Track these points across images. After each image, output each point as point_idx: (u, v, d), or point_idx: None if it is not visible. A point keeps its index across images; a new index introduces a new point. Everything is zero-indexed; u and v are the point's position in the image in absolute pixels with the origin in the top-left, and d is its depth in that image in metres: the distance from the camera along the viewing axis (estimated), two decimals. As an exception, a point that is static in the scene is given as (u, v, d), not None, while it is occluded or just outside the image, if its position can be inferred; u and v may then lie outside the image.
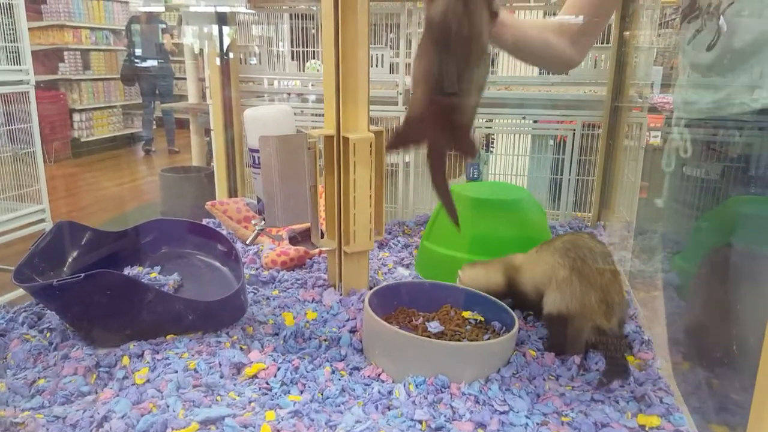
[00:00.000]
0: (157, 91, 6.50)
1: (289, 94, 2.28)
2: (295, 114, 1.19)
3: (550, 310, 0.98)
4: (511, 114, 1.93)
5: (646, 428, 0.78)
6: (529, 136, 1.99)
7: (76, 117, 6.62)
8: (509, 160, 2.00)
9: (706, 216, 1.19)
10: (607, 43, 1.80)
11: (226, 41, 1.94)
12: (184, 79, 4.52)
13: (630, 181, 1.60)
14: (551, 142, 1.99)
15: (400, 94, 2.02)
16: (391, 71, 2.03)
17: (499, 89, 1.94)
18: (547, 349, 0.98)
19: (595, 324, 0.93)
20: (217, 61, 1.93)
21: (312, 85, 2.31)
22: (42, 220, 3.19)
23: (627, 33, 1.74)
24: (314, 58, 2.38)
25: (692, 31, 1.11)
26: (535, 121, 1.93)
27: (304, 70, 2.42)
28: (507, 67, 2.20)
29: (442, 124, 0.93)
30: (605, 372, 0.90)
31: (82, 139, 6.65)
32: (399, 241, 1.58)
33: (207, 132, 3.77)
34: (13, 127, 3.12)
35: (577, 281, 0.96)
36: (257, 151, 1.07)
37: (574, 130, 1.83)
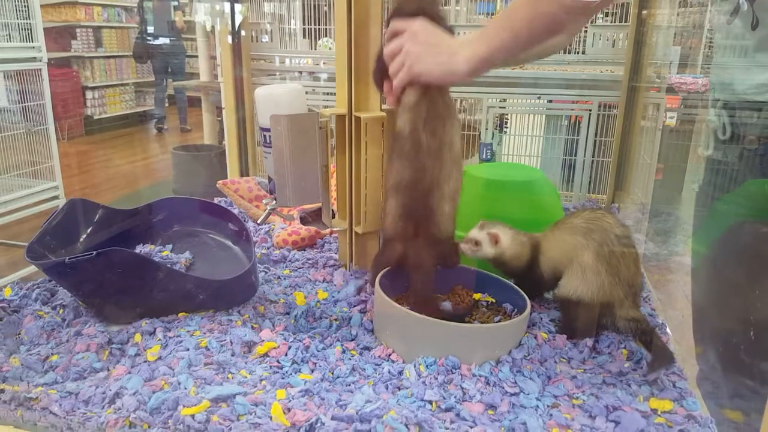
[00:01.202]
0: (169, 69, 6.48)
1: (300, 72, 2.26)
2: (306, 93, 1.18)
3: (570, 295, 0.95)
4: (526, 93, 1.90)
5: (659, 412, 0.77)
6: (544, 116, 1.96)
7: (89, 94, 6.63)
8: (523, 140, 1.98)
9: (724, 199, 1.17)
10: (626, 21, 1.76)
11: (238, 19, 1.93)
12: (196, 57, 4.50)
13: (646, 162, 1.58)
14: (565, 122, 1.97)
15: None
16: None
17: (513, 68, 1.91)
18: (560, 332, 0.97)
19: (629, 315, 0.91)
20: (229, 38, 1.91)
21: (324, 63, 2.29)
22: (55, 197, 3.21)
23: (645, 12, 1.71)
24: (326, 36, 2.36)
25: (729, 9, 1.07)
26: (549, 101, 1.90)
27: (315, 48, 2.40)
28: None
29: (420, 240, 0.92)
30: (652, 361, 0.87)
31: (95, 117, 6.67)
32: (410, 222, 1.57)
33: (219, 110, 3.77)
34: (26, 104, 3.13)
35: (604, 272, 0.92)
36: (268, 130, 1.07)
37: (590, 110, 1.81)
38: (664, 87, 1.75)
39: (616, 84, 1.77)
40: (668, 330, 0.99)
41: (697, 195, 1.20)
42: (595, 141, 1.83)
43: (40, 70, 3.10)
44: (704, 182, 1.19)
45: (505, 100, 1.97)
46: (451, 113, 0.94)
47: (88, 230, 1.12)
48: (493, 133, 1.95)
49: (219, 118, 3.92)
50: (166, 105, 6.76)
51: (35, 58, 3.09)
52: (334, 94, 1.14)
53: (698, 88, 3.08)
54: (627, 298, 0.92)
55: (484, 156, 1.94)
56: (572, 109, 1.89)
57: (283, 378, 0.82)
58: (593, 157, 1.83)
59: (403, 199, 0.92)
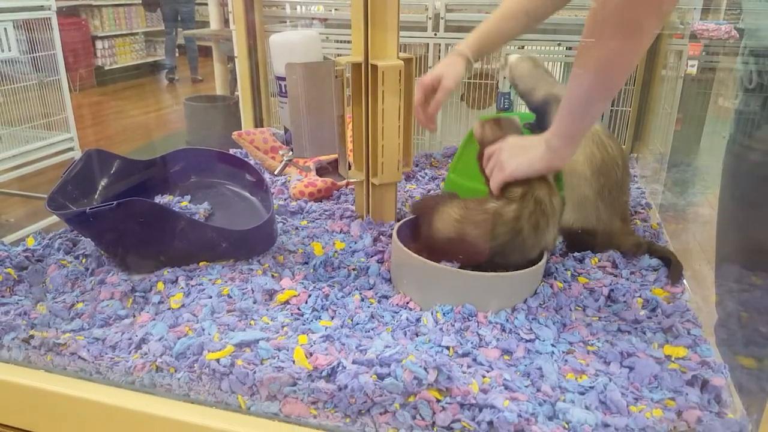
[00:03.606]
0: (179, 17, 6.37)
1: (313, 19, 2.22)
2: (320, 40, 1.16)
3: (573, 224, 1.07)
4: (544, 40, 1.86)
5: (672, 358, 0.79)
6: (563, 63, 1.92)
7: (99, 44, 6.56)
8: (540, 89, 1.94)
9: (743, 144, 1.15)
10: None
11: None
12: (205, 4, 4.42)
13: (666, 112, 1.55)
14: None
15: (429, 18, 1.95)
16: (420, -5, 1.96)
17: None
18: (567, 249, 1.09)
19: (629, 241, 1.07)
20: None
21: (335, 10, 2.25)
22: (71, 149, 3.21)
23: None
24: (340, -19, 2.30)
25: None
26: (569, 48, 1.86)
27: (328, -6, 2.35)
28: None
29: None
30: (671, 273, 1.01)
31: (106, 68, 6.61)
32: (426, 174, 1.57)
33: (230, 59, 3.72)
34: (37, 54, 3.09)
35: (602, 206, 1.06)
36: (284, 79, 1.05)
37: (610, 58, 1.76)
38: (687, 33, 1.70)
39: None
40: (684, 280, 1.00)
41: (727, 144, 1.19)
42: (614, 90, 1.79)
43: (49, 18, 3.05)
44: (734, 131, 1.17)
45: (523, 47, 1.93)
46: (556, 215, 0.94)
47: (106, 181, 1.13)
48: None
49: (230, 66, 3.88)
50: (177, 55, 6.68)
51: (43, 6, 3.04)
52: (347, 41, 1.12)
53: (721, 35, 2.98)
54: (624, 227, 1.08)
55: (501, 105, 1.91)
56: (591, 57, 1.84)
57: (304, 324, 0.84)
58: (613, 106, 1.80)
59: (456, 251, 0.93)
